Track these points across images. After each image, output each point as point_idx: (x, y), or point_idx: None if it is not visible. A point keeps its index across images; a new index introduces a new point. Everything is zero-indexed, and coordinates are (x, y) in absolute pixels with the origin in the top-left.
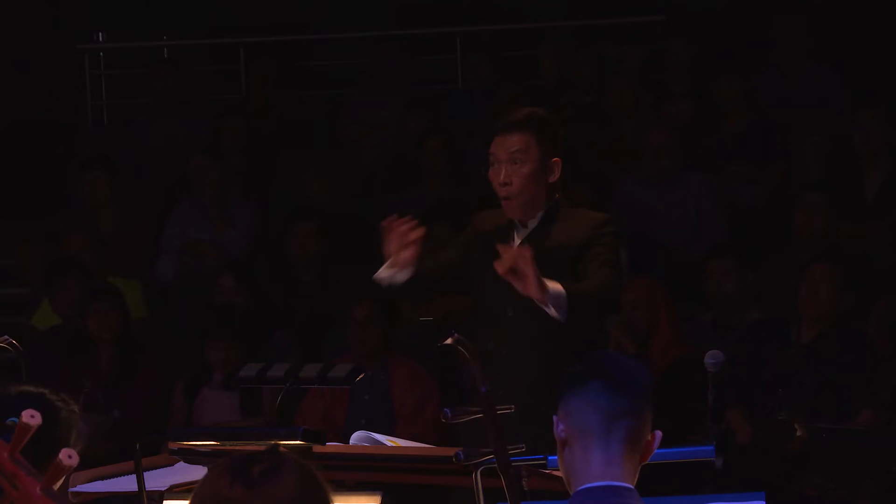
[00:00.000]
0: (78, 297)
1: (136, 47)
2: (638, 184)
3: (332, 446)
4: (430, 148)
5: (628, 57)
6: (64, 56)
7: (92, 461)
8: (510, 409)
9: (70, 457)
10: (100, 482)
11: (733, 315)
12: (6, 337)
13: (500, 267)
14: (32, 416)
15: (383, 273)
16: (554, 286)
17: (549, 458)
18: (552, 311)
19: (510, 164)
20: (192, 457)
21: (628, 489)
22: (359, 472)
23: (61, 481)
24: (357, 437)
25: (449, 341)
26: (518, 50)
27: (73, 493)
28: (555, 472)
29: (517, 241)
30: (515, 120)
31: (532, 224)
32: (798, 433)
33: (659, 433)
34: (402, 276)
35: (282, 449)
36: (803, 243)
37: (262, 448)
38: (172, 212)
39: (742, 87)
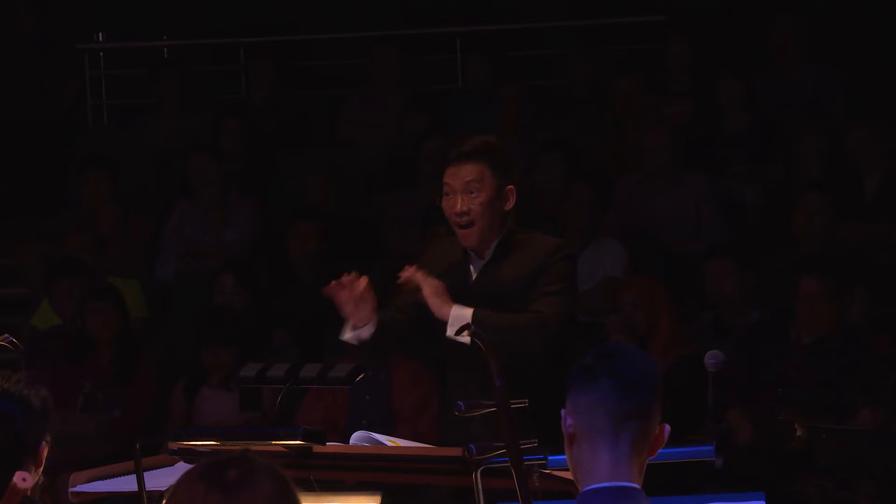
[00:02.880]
0: (78, 297)
1: (136, 47)
2: (638, 184)
3: (332, 446)
4: (430, 148)
5: (628, 57)
6: (64, 56)
7: (92, 461)
8: (524, 402)
9: (24, 479)
10: (100, 482)
11: (733, 315)
12: (6, 335)
13: (405, 287)
14: (24, 480)
15: (348, 335)
16: (459, 310)
17: (550, 457)
18: (451, 332)
19: (465, 193)
20: (192, 457)
21: (636, 490)
22: (359, 472)
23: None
24: (357, 437)
25: (465, 335)
26: (518, 50)
27: (73, 493)
28: (555, 472)
29: (474, 275)
30: (469, 150)
31: (487, 255)
32: (798, 433)
33: (667, 427)
34: (367, 332)
35: (251, 453)
36: (803, 243)
37: (235, 452)
38: (172, 212)
39: (742, 87)
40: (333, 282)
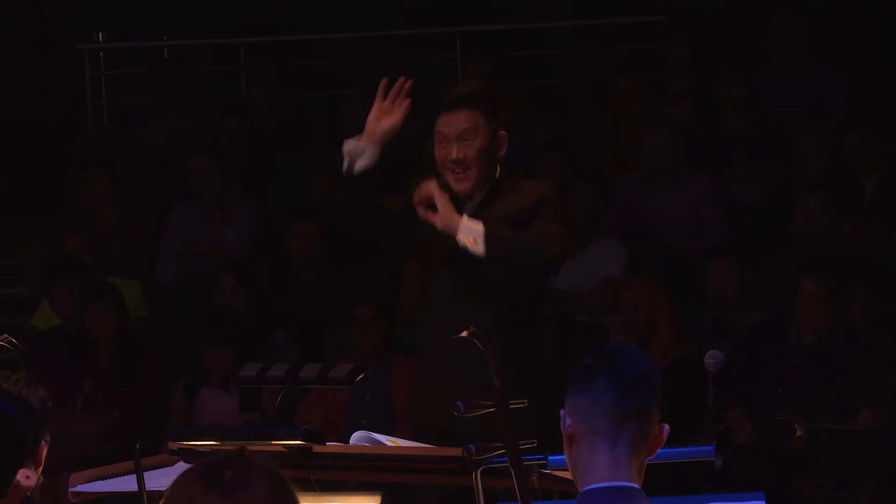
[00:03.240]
0: (78, 297)
1: (136, 47)
2: (638, 184)
3: (332, 446)
4: (430, 148)
5: (628, 57)
6: (64, 56)
7: (92, 461)
8: (524, 403)
9: (27, 477)
10: (100, 482)
11: (733, 315)
12: (6, 335)
13: (416, 200)
14: (28, 478)
15: (349, 143)
16: (471, 221)
17: (550, 457)
18: (464, 242)
19: (460, 141)
20: (192, 457)
21: (635, 490)
22: (359, 472)
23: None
24: (357, 437)
25: (464, 334)
26: (518, 50)
27: (73, 493)
28: (555, 472)
29: (465, 215)
30: (461, 95)
31: (478, 197)
32: (798, 433)
33: (666, 426)
34: (364, 159)
35: (248, 452)
36: (803, 243)
37: (232, 452)
38: (172, 212)
39: (742, 87)
40: (384, 81)
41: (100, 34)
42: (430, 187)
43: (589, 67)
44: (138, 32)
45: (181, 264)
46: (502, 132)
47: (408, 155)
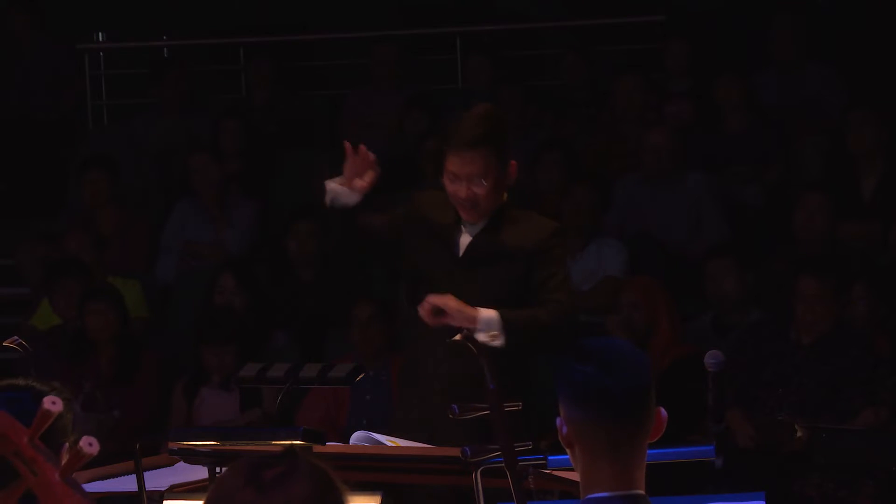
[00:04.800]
0: (78, 297)
1: (136, 47)
2: (638, 184)
3: (332, 446)
4: (430, 148)
5: (628, 57)
6: (64, 56)
7: (92, 461)
8: (518, 406)
9: (91, 444)
10: (100, 482)
11: (733, 315)
12: (16, 338)
13: (424, 313)
14: (54, 403)
15: (332, 184)
16: (487, 313)
17: (550, 457)
18: (484, 338)
19: (471, 181)
20: (192, 457)
21: (638, 496)
22: (359, 472)
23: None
24: (357, 437)
25: (458, 338)
26: (518, 50)
27: None
28: (555, 472)
29: (463, 239)
30: (473, 138)
31: (482, 223)
32: (798, 433)
33: (663, 410)
34: (348, 199)
35: (299, 451)
36: (803, 243)
37: (280, 449)
38: (172, 212)
39: (742, 87)
40: (348, 144)
41: (100, 34)
42: (437, 301)
43: (588, 67)
44: (138, 32)
45: (181, 264)
46: (513, 162)
47: (408, 155)
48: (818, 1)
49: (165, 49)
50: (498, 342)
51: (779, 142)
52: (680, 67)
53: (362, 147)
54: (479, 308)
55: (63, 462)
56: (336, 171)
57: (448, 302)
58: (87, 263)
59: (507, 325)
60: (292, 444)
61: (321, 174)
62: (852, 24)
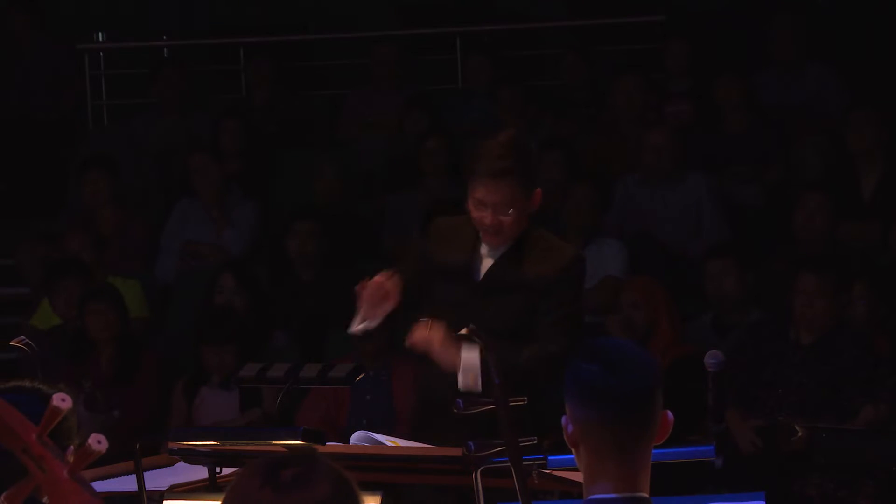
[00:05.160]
0: (78, 297)
1: (136, 47)
2: (638, 184)
3: (332, 446)
4: (430, 148)
5: (628, 57)
6: (64, 56)
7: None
8: (523, 401)
9: (99, 442)
10: (100, 482)
11: (733, 315)
12: (22, 338)
13: (410, 344)
14: (63, 400)
15: (357, 328)
16: (469, 357)
17: (550, 458)
18: (464, 383)
19: (497, 210)
20: (192, 457)
21: (643, 499)
22: (359, 472)
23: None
24: (357, 437)
25: (464, 331)
26: (518, 50)
27: None
28: (555, 472)
29: (484, 264)
30: (501, 169)
31: (502, 249)
32: (798, 433)
33: (670, 413)
34: (374, 323)
35: (317, 452)
36: (803, 243)
37: (299, 450)
38: (172, 212)
39: (742, 87)
40: (366, 280)
41: (100, 34)
42: (424, 335)
43: (588, 67)
44: (138, 32)
45: (181, 264)
46: (538, 190)
47: (408, 155)
48: (818, 1)
49: (165, 49)
50: (478, 387)
51: (779, 142)
52: (680, 67)
53: (379, 279)
54: (462, 350)
55: (71, 460)
56: (335, 171)
57: (434, 340)
58: (87, 263)
59: (485, 368)
60: (297, 445)
61: (321, 174)
62: (852, 24)
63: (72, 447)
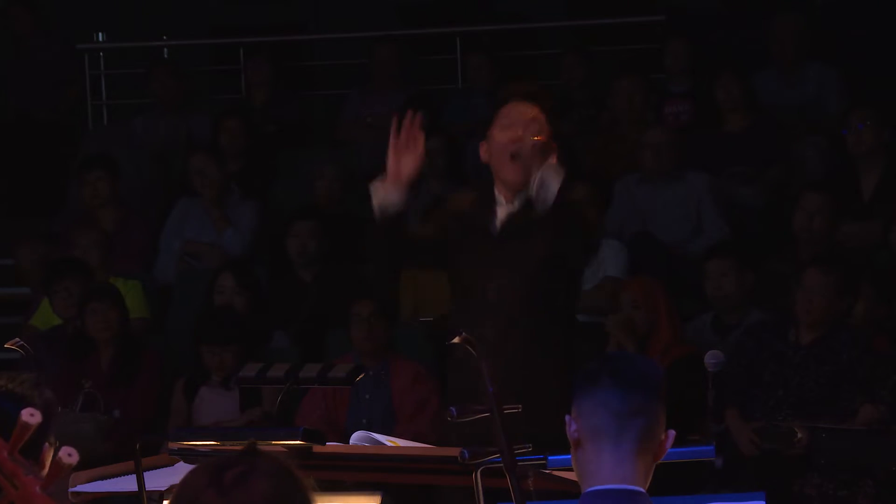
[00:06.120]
0: (78, 297)
1: (136, 47)
2: (638, 184)
3: (332, 446)
4: (430, 148)
5: (628, 57)
6: (64, 56)
7: (92, 461)
8: (517, 408)
9: (70, 455)
10: (100, 482)
11: (733, 315)
12: (17, 339)
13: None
14: (32, 415)
15: (379, 193)
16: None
17: (550, 458)
18: (534, 193)
19: (527, 128)
20: (192, 457)
21: (639, 493)
22: (359, 472)
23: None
24: (357, 437)
25: (456, 340)
26: (518, 50)
27: (72, 493)
28: (555, 472)
29: (500, 217)
30: (532, 92)
31: (517, 203)
32: (798, 437)
33: (672, 432)
34: (395, 205)
35: (262, 449)
36: (803, 243)
37: (245, 449)
38: (172, 212)
39: (742, 87)
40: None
41: (100, 34)
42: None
43: (588, 67)
44: (138, 32)
45: (181, 264)
46: (555, 144)
47: None
48: (818, 1)
49: (165, 49)
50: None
51: (779, 142)
52: (680, 67)
53: (409, 113)
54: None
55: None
56: (336, 171)
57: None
58: (88, 263)
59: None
60: (254, 443)
61: (321, 174)
62: (852, 24)
63: (46, 444)
